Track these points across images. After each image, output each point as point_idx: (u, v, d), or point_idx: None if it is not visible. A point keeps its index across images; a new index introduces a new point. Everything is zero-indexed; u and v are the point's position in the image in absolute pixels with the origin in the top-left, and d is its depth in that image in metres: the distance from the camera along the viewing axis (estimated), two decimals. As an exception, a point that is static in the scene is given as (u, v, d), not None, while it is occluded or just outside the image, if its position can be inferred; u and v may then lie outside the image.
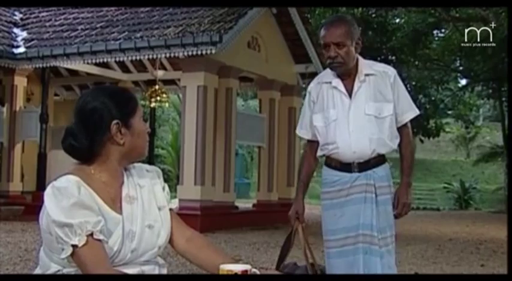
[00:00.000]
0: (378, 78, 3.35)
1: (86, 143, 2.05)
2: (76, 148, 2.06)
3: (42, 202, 1.98)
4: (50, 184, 1.99)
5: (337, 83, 3.36)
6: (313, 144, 3.53)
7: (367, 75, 3.35)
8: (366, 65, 3.39)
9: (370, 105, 3.31)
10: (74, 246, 1.91)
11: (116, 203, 2.08)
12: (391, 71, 3.41)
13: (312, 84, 3.53)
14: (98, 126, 2.05)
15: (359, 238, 3.27)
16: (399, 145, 3.43)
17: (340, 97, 3.36)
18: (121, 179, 2.14)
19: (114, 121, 2.06)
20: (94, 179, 2.05)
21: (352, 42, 3.30)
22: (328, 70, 3.44)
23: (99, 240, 1.95)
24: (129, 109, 2.11)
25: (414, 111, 3.46)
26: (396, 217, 3.39)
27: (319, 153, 3.49)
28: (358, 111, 3.32)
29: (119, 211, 2.08)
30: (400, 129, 3.41)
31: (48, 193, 1.97)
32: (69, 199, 1.93)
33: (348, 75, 3.36)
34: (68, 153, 2.08)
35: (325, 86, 3.42)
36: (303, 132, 3.57)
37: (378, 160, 3.36)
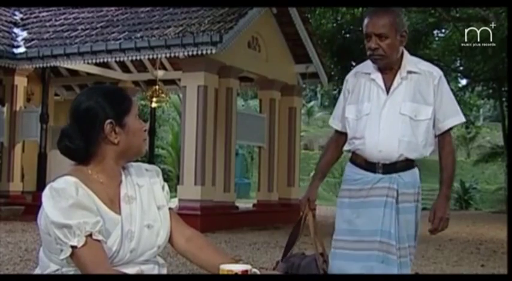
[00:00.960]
0: (421, 77, 3.11)
1: (81, 144, 2.05)
2: (71, 149, 2.05)
3: (42, 202, 1.98)
4: (48, 185, 1.99)
5: (377, 76, 3.14)
6: (340, 136, 3.33)
7: (410, 72, 3.12)
8: (410, 62, 3.16)
9: (407, 104, 3.08)
10: (73, 247, 1.91)
11: (114, 204, 2.08)
12: (436, 72, 3.16)
13: (351, 73, 3.33)
14: (91, 126, 2.05)
15: (375, 245, 3.05)
16: (439, 154, 3.20)
17: (377, 91, 3.14)
18: (119, 178, 2.13)
19: (108, 120, 2.05)
20: (92, 180, 2.05)
21: (396, 35, 3.05)
22: (369, 61, 3.20)
23: (98, 240, 1.94)
24: (123, 108, 2.10)
25: (459, 118, 3.19)
26: (432, 232, 3.17)
27: (346, 147, 3.30)
28: (393, 109, 3.09)
29: (118, 211, 2.07)
30: (441, 136, 3.17)
31: (46, 194, 1.96)
32: (67, 200, 1.93)
33: (389, 70, 3.13)
34: (64, 154, 2.08)
35: (364, 77, 3.20)
36: (334, 122, 3.37)
37: (406, 164, 3.14)
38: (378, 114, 3.10)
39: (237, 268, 1.90)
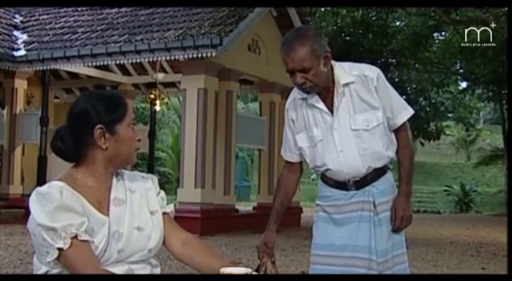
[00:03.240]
0: (359, 85, 2.94)
1: (70, 145, 2.10)
2: (61, 149, 2.11)
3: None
4: (34, 191, 2.04)
5: (315, 100, 2.97)
6: (293, 166, 3.17)
7: (346, 85, 2.93)
8: (342, 73, 2.95)
9: (356, 118, 2.93)
10: (60, 249, 1.95)
11: (103, 206, 2.11)
12: (372, 72, 2.97)
13: (288, 101, 3.12)
14: (82, 129, 2.09)
15: (347, 261, 2.93)
16: (397, 151, 3.05)
17: (321, 115, 2.97)
18: (108, 183, 2.16)
19: (98, 125, 2.09)
20: (80, 184, 2.09)
21: (319, 62, 2.84)
22: None
23: (85, 241, 1.98)
24: (116, 115, 2.13)
25: (407, 111, 3.04)
26: (394, 231, 3.01)
27: (312, 171, 3.17)
28: (343, 127, 2.94)
29: (106, 213, 2.11)
30: (396, 132, 3.03)
31: (32, 199, 2.02)
32: (51, 203, 1.97)
33: (324, 89, 2.94)
34: (56, 154, 2.14)
35: (303, 103, 3.03)
36: (288, 155, 3.16)
37: (377, 173, 3.01)
38: (331, 138, 2.96)
39: (238, 271, 1.90)
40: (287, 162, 3.19)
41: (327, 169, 3.01)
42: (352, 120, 2.93)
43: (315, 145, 3.00)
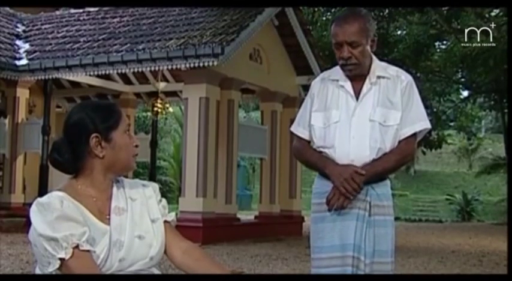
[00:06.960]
0: (390, 82, 3.00)
1: (68, 157, 2.11)
2: (59, 162, 2.12)
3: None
4: (34, 201, 2.05)
5: (346, 82, 3.01)
6: (310, 143, 3.14)
7: (379, 77, 3.00)
8: (380, 66, 3.04)
9: (377, 110, 2.95)
10: (62, 259, 1.96)
11: (104, 215, 2.12)
12: (405, 76, 3.04)
13: (316, 79, 3.17)
14: (78, 140, 2.10)
15: (348, 261, 2.90)
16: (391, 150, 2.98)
17: (346, 98, 3.00)
18: (109, 191, 2.17)
19: (93, 134, 2.10)
20: (81, 194, 2.10)
21: (367, 40, 2.94)
22: (337, 68, 3.05)
23: (87, 251, 1.99)
24: (111, 123, 2.14)
25: (423, 123, 3.04)
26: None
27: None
28: (363, 115, 2.96)
29: (107, 222, 2.11)
30: (400, 142, 2.99)
31: (33, 210, 2.03)
32: (52, 213, 1.98)
33: (358, 76, 3.00)
34: (54, 167, 2.15)
35: (332, 83, 3.06)
36: (300, 130, 3.16)
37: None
38: (348, 121, 2.97)
39: None
40: (302, 139, 3.15)
41: (333, 153, 2.97)
42: (373, 111, 2.97)
43: (328, 126, 3.01)
